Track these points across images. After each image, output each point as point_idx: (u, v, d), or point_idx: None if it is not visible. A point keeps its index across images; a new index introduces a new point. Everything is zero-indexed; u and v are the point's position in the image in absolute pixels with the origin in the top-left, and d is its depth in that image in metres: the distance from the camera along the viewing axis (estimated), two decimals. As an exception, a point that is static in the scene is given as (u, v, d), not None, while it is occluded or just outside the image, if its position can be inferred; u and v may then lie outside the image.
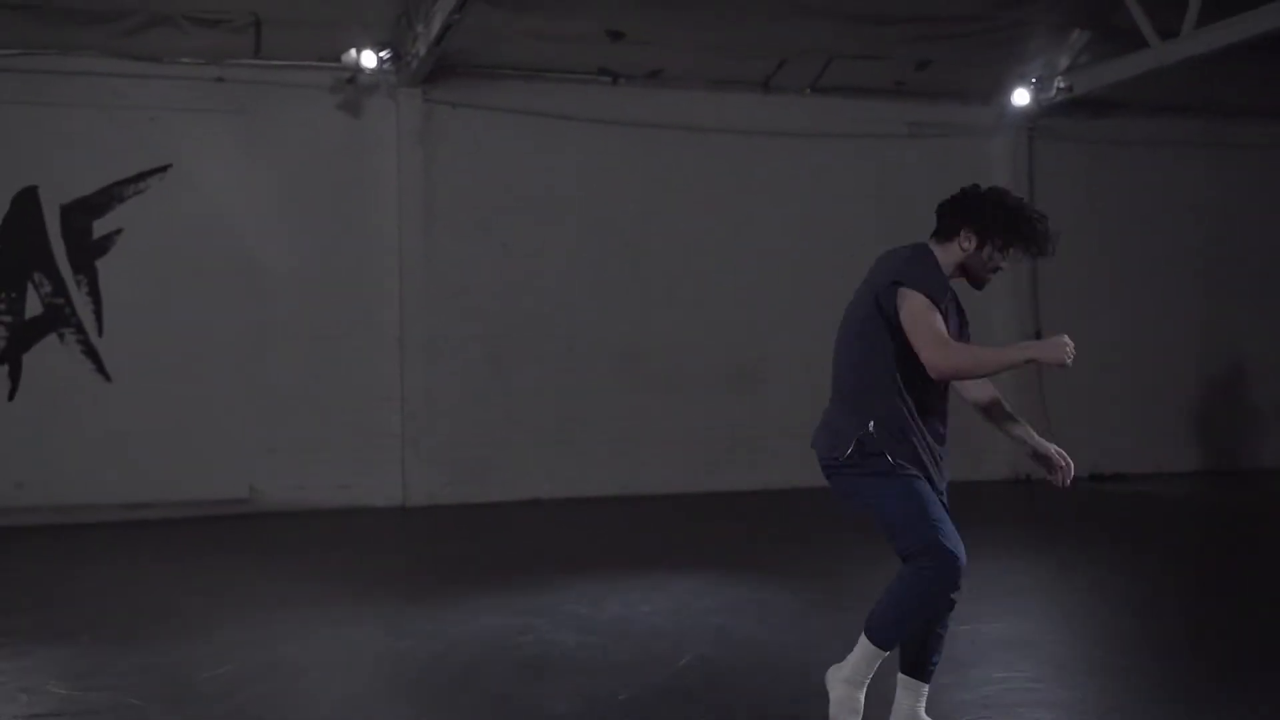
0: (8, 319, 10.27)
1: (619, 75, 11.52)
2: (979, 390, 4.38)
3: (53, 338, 10.35)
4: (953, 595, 4.03)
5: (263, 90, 10.72)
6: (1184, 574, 8.05)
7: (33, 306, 10.32)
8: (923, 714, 4.25)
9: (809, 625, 6.33)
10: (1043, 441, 4.34)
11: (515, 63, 11.15)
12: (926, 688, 4.25)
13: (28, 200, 10.29)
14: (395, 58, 10.41)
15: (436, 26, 9.58)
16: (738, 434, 11.74)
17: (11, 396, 10.26)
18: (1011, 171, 12.74)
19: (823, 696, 4.25)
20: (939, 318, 4.05)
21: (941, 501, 4.15)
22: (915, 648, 4.20)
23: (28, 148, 10.27)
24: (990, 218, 4.15)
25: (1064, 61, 11.93)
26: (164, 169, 10.56)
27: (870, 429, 4.08)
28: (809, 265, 11.92)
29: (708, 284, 11.80)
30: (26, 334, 10.31)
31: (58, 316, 10.37)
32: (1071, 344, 4.00)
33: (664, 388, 11.64)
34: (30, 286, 10.32)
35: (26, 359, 10.30)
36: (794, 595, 7.06)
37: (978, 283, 4.28)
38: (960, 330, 4.24)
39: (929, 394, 4.16)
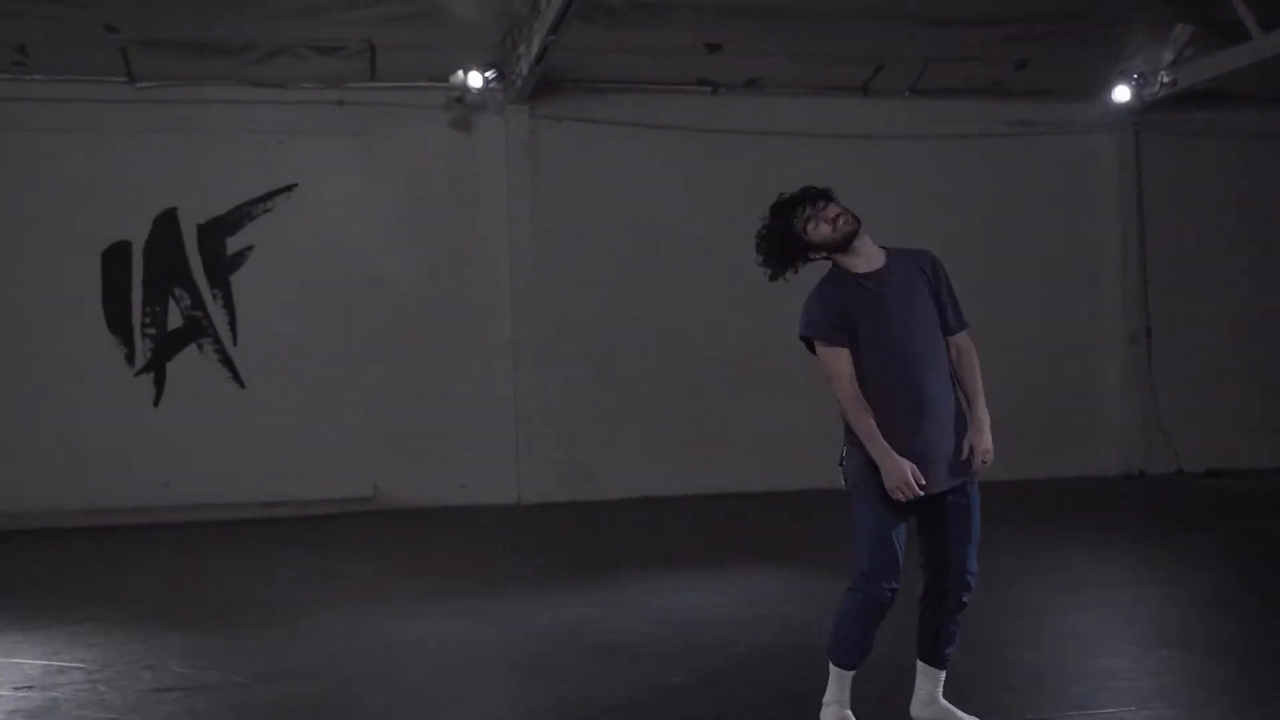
0: (152, 331, 11.11)
1: (718, 85, 11.87)
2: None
3: (192, 348, 11.17)
4: (882, 613, 4.33)
5: (380, 111, 11.36)
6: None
7: (174, 319, 11.14)
8: (940, 697, 4.54)
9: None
10: (978, 436, 4.39)
11: (617, 76, 11.59)
12: (942, 674, 4.54)
13: (168, 221, 11.12)
14: (500, 77, 10.94)
15: (536, 46, 10.07)
16: (833, 434, 11.93)
17: (156, 403, 11.10)
18: (1118, 167, 12.76)
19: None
20: (834, 354, 4.39)
21: (927, 500, 4.35)
22: (928, 640, 4.50)
23: (168, 172, 11.08)
24: None
25: (1167, 56, 11.88)
26: (290, 188, 11.29)
27: (843, 451, 4.38)
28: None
29: (805, 288, 12.01)
30: (169, 345, 11.14)
31: (196, 328, 11.18)
32: (912, 485, 4.20)
33: (763, 389, 11.92)
34: (171, 300, 11.15)
35: (170, 368, 11.13)
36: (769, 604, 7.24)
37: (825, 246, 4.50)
38: (878, 317, 4.36)
39: (900, 400, 4.32)
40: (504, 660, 5.90)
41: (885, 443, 4.28)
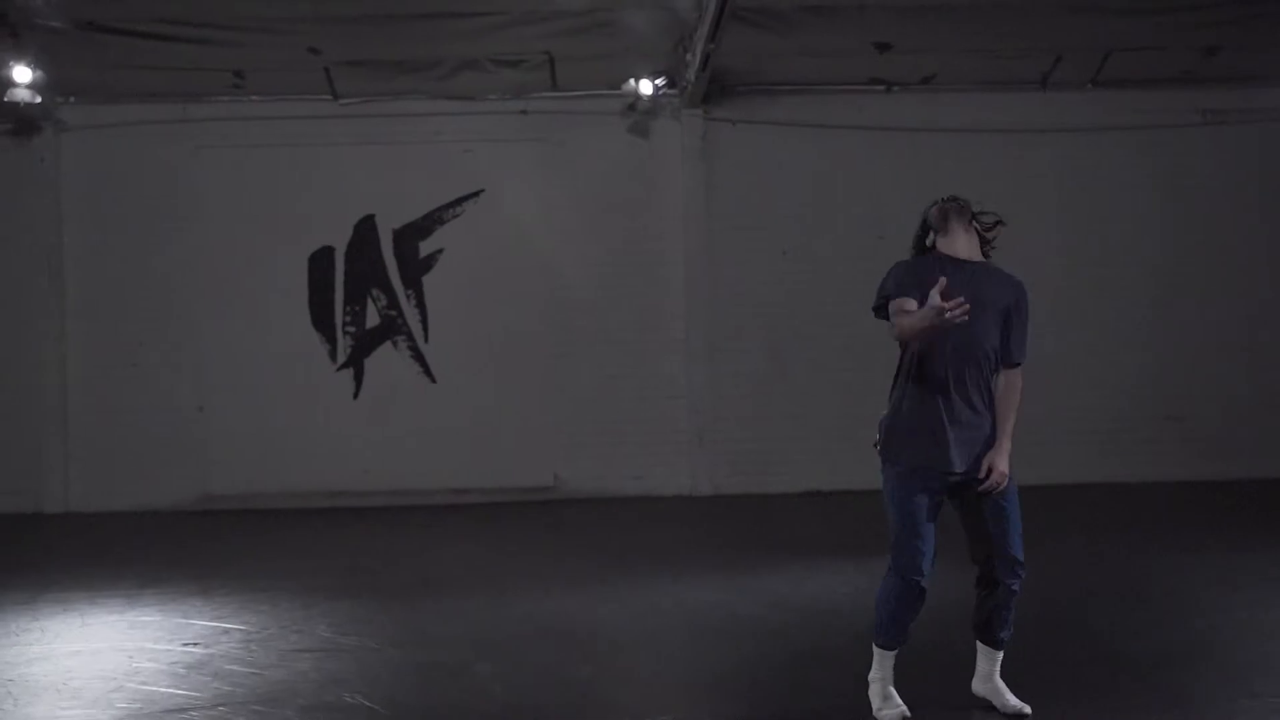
0: (352, 329, 11.98)
1: (891, 83, 11.93)
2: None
3: (388, 345, 11.98)
4: (918, 601, 4.53)
5: (561, 119, 11.91)
6: None
7: (372, 318, 11.98)
8: (995, 676, 4.67)
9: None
10: (997, 456, 4.65)
11: (789, 78, 11.79)
12: (999, 654, 4.67)
13: (367, 227, 11.96)
14: (671, 84, 11.31)
15: (699, 54, 10.40)
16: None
17: (356, 395, 11.96)
18: (1321, 155, 12.16)
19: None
20: (904, 302, 4.77)
21: (951, 483, 4.48)
22: (983, 623, 4.64)
23: (367, 181, 11.92)
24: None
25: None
26: (477, 194, 11.96)
27: (882, 420, 4.56)
28: (1091, 260, 11.90)
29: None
30: (367, 341, 11.99)
31: (392, 326, 11.99)
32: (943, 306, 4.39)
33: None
34: (370, 300, 11.99)
35: (367, 363, 11.97)
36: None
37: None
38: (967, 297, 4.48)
39: (935, 378, 4.60)
40: (621, 638, 6.25)
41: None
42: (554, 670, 5.55)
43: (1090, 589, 7.12)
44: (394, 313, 11.99)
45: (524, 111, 11.92)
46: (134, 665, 5.77)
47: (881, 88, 11.98)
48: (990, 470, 4.59)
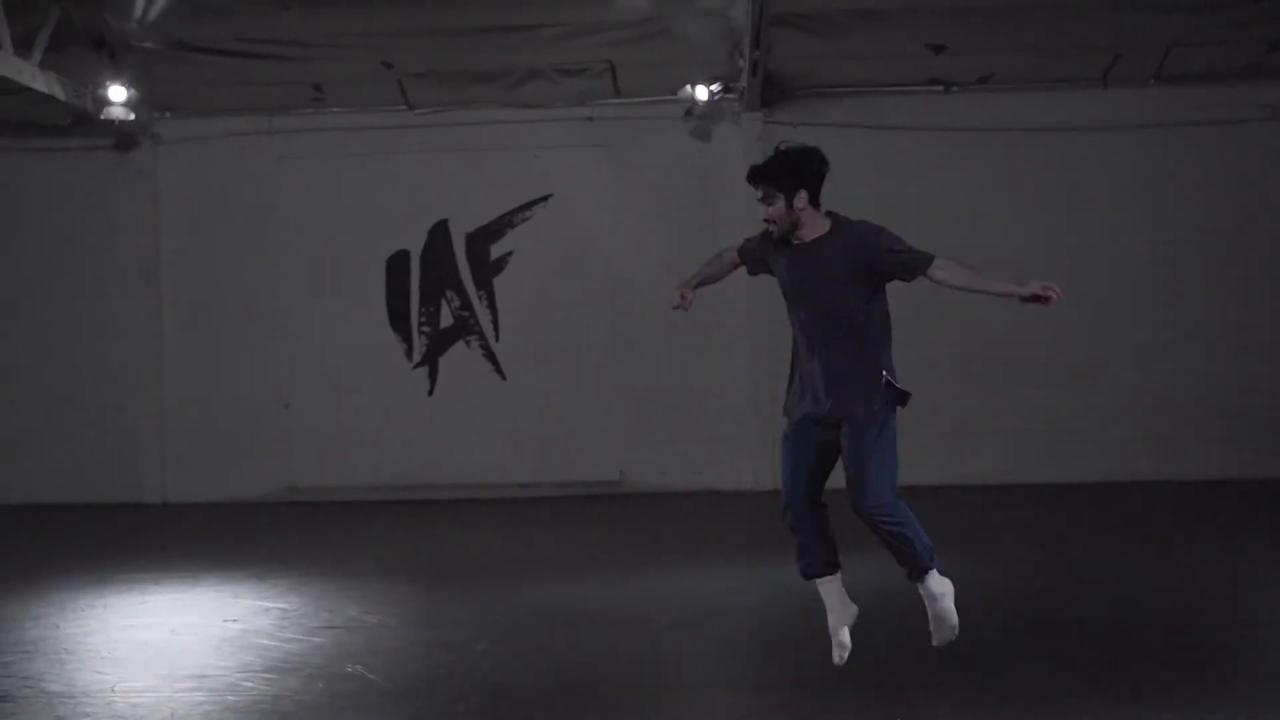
0: (427, 329, 12.55)
1: (949, 83, 12.05)
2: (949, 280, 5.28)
3: (460, 344, 12.52)
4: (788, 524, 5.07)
5: (625, 125, 12.30)
6: None
7: (445, 318, 12.53)
8: (938, 604, 5.17)
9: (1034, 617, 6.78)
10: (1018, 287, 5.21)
11: (846, 81, 12.00)
12: (925, 579, 5.18)
13: (440, 231, 12.51)
14: (726, 89, 11.62)
15: (750, 59, 10.69)
16: (1072, 426, 11.89)
17: (430, 392, 12.53)
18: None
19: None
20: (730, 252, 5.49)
21: (816, 421, 5.04)
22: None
23: (441, 187, 12.47)
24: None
25: None
26: (546, 199, 12.42)
27: None
28: (1154, 258, 11.86)
29: (1043, 279, 11.96)
30: (441, 341, 12.54)
31: (464, 326, 12.53)
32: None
33: (1001, 381, 12.02)
34: (443, 301, 12.54)
35: (441, 361, 12.53)
36: (1025, 588, 7.46)
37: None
38: (786, 278, 5.16)
39: (801, 350, 5.19)
40: (671, 626, 6.56)
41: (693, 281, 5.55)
42: (545, 652, 5.93)
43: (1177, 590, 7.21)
44: (466, 313, 12.52)
45: (589, 118, 12.34)
46: (174, 638, 6.33)
47: (939, 88, 12.11)
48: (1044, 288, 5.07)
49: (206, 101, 12.30)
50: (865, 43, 11.32)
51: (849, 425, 5.00)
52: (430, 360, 12.54)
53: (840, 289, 5.05)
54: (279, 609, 6.98)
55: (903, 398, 5.12)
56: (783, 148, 5.27)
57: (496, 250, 12.50)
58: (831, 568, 5.19)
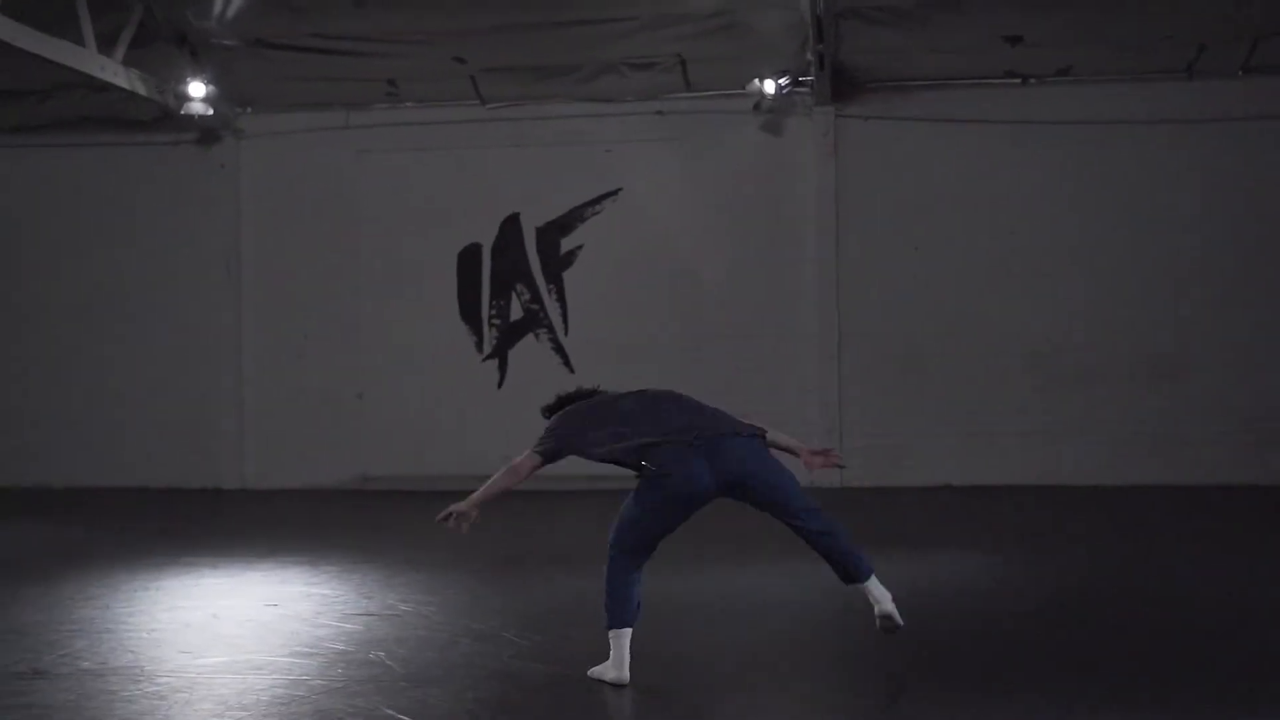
0: (498, 322, 12.66)
1: (1027, 76, 11.79)
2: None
3: (530, 337, 12.60)
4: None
5: (695, 119, 12.27)
6: None
7: (515, 312, 12.63)
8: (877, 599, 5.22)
9: (1073, 620, 6.60)
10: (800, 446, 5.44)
11: (920, 73, 11.82)
12: (864, 582, 5.26)
13: (511, 224, 12.61)
14: (795, 82, 11.51)
15: (817, 53, 10.58)
16: (1152, 428, 11.57)
17: (500, 385, 12.63)
18: None
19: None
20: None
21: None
22: (839, 569, 5.28)
23: (513, 181, 12.56)
24: None
25: None
26: (615, 193, 12.44)
27: None
28: (1239, 253, 11.51)
29: (1125, 277, 11.74)
30: (511, 334, 12.64)
31: (534, 319, 12.61)
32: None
33: (1074, 380, 11.76)
34: (514, 295, 12.63)
35: (511, 354, 12.63)
36: (1100, 591, 7.26)
37: None
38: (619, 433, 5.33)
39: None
40: (723, 619, 6.55)
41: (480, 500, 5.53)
42: (570, 642, 5.92)
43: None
44: (536, 306, 12.59)
45: (659, 112, 12.33)
46: (213, 620, 6.46)
47: (1017, 80, 11.85)
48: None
49: (285, 97, 12.55)
50: (939, 34, 11.14)
51: (750, 452, 5.25)
52: (500, 353, 12.65)
53: None
54: (320, 595, 7.09)
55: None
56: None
57: (566, 244, 12.56)
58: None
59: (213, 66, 11.83)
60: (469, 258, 12.67)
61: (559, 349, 12.57)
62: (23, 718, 4.80)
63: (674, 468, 5.03)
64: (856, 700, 5.11)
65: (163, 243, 12.92)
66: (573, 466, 5.74)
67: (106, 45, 10.88)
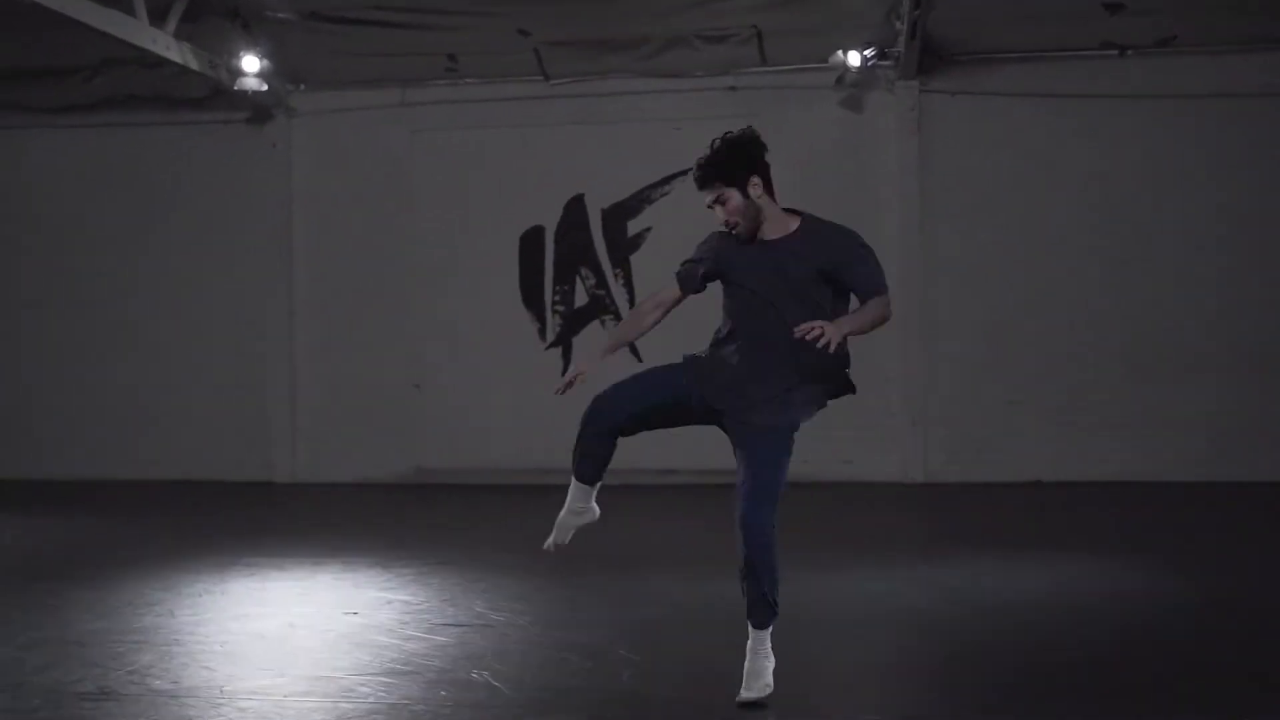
0: (561, 309, 12.08)
1: (1125, 47, 11.10)
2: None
3: (595, 324, 12.01)
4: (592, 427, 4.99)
5: (770, 95, 11.62)
6: None
7: (580, 297, 12.04)
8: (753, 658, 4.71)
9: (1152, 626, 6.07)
10: (833, 325, 4.64)
11: (1010, 45, 11.15)
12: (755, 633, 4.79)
13: (576, 206, 12.02)
14: (880, 55, 10.87)
15: (908, 22, 9.94)
16: (1261, 421, 10.89)
17: (564, 374, 12.01)
18: None
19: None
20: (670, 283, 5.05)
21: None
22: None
23: (578, 161, 11.97)
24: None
25: None
26: (685, 173, 11.63)
27: None
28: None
29: (1227, 262, 11.06)
30: (575, 320, 12.06)
31: (599, 305, 12.02)
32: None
33: (1175, 371, 11.09)
34: (578, 279, 12.05)
35: (575, 342, 12.05)
36: (1182, 592, 6.71)
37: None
38: (745, 276, 4.78)
39: (737, 337, 4.95)
40: (788, 627, 6.00)
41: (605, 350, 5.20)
42: (691, 661, 5.37)
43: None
44: (602, 292, 12.01)
45: (732, 88, 11.71)
46: (290, 631, 5.91)
47: (1114, 52, 11.17)
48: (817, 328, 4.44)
49: (339, 73, 12.00)
50: (1033, 2, 10.46)
51: (760, 431, 4.75)
52: (564, 340, 12.08)
53: (809, 293, 4.68)
54: (401, 602, 6.54)
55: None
56: (717, 142, 4.91)
57: (634, 226, 11.97)
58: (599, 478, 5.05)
59: (265, 40, 11.27)
60: (531, 241, 12.09)
61: (626, 337, 11.96)
62: (96, 748, 4.27)
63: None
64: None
65: (211, 226, 12.41)
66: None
67: (157, 19, 10.35)
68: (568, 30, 11.26)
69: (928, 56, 11.11)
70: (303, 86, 12.22)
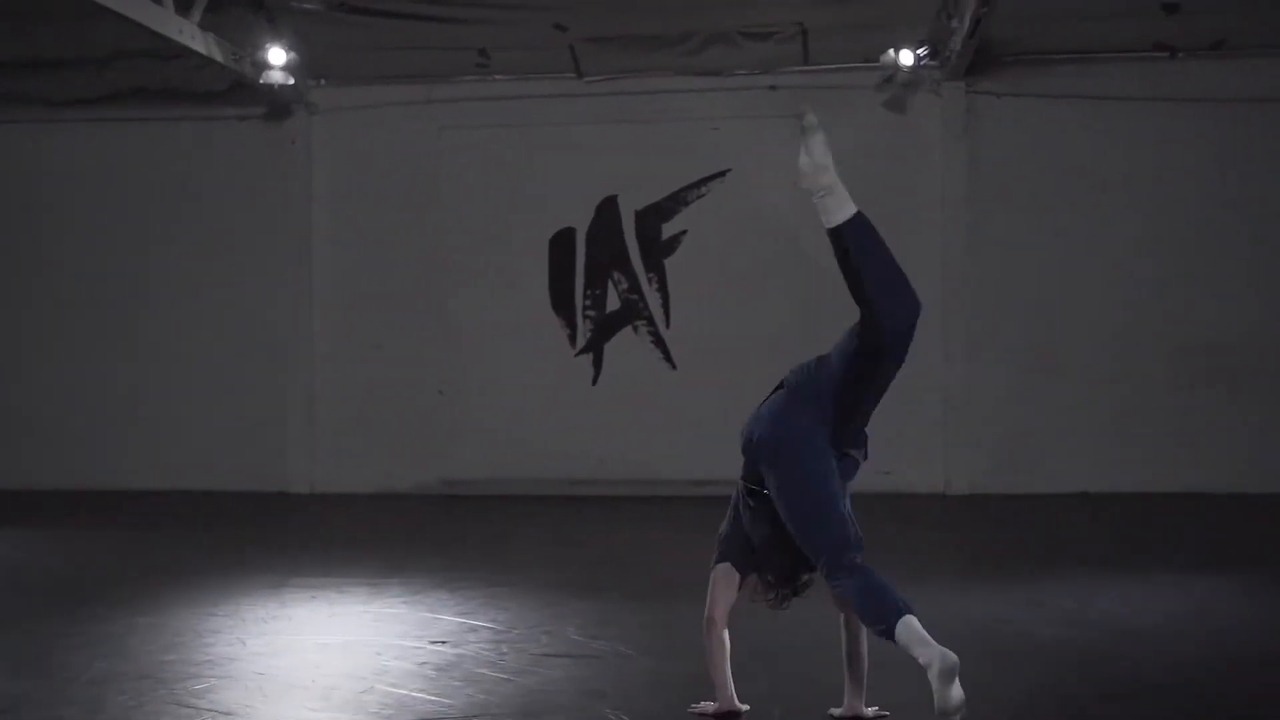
0: (592, 313, 11.69)
1: (1177, 49, 10.86)
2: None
3: (628, 329, 11.65)
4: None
5: (812, 95, 11.19)
6: None
7: (612, 302, 11.66)
8: None
9: None
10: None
11: (1062, 46, 10.90)
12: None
13: (609, 207, 11.64)
14: (933, 54, 10.57)
15: (969, 19, 9.64)
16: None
17: (595, 381, 11.68)
18: None
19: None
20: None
21: None
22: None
23: (611, 160, 11.58)
24: None
25: None
26: (723, 174, 11.49)
27: None
28: None
29: (1277, 271, 10.83)
30: (607, 326, 11.68)
31: (632, 310, 11.65)
32: None
33: (1229, 379, 10.86)
34: (610, 284, 11.67)
35: (607, 348, 11.67)
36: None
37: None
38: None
39: None
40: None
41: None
42: (821, 686, 4.99)
43: None
44: (635, 296, 11.65)
45: (773, 87, 11.39)
46: (382, 663, 5.49)
47: (1165, 54, 10.92)
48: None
49: (364, 68, 11.58)
50: (1093, 1, 10.19)
51: None
52: (595, 346, 11.70)
53: None
54: (487, 628, 6.13)
55: None
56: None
57: (668, 229, 11.62)
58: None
59: (290, 33, 10.81)
60: (562, 243, 11.70)
61: (659, 342, 11.61)
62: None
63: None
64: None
65: (226, 225, 11.94)
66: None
67: (182, 8, 9.88)
68: (606, 25, 10.89)
69: (975, 56, 10.80)
70: (323, 82, 11.76)
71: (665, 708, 4.79)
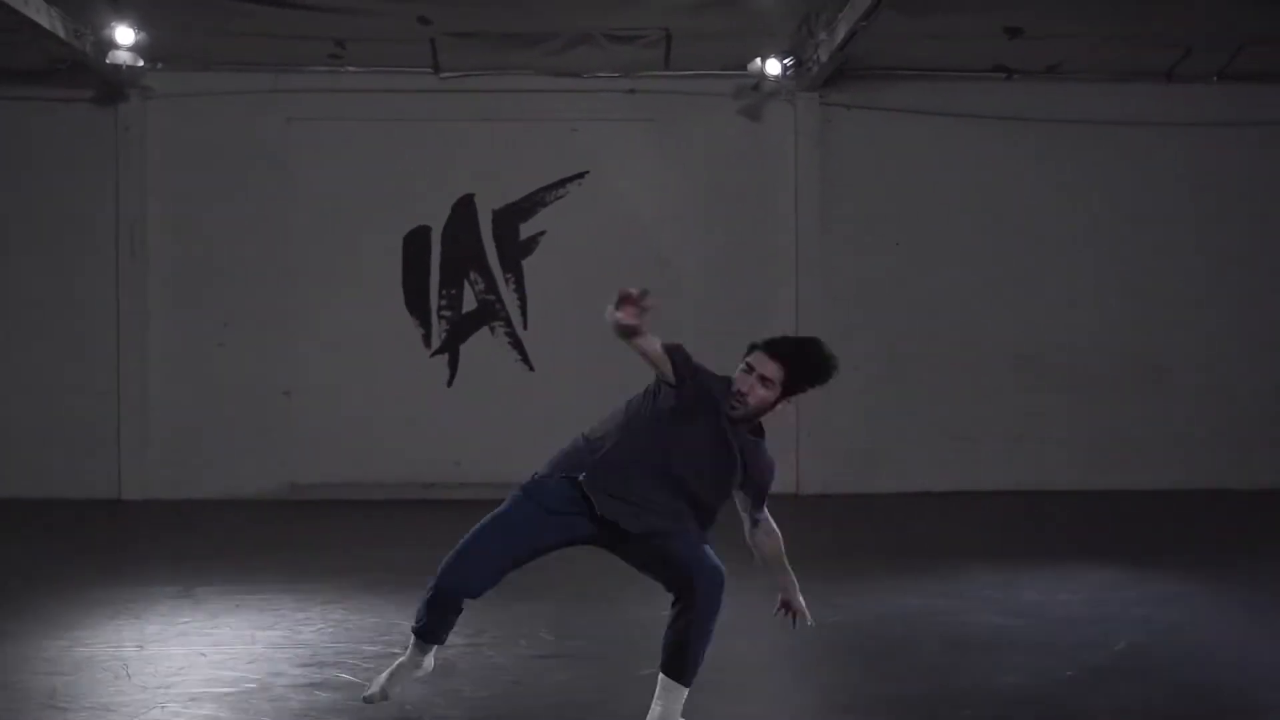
0: (448, 314, 11.46)
1: (1014, 71, 11.52)
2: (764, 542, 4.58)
3: (485, 331, 11.47)
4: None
5: (670, 100, 11.41)
6: None
7: (468, 302, 11.46)
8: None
9: (1241, 621, 6.27)
10: (794, 596, 4.58)
11: (911, 63, 11.36)
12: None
13: (465, 206, 11.44)
14: (797, 64, 10.85)
15: (841, 34, 9.94)
16: (1136, 433, 11.49)
17: (450, 383, 11.45)
18: None
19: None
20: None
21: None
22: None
23: (468, 159, 11.38)
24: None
25: None
26: (582, 175, 11.46)
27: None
28: (1216, 259, 11.58)
29: (1106, 281, 11.63)
30: (463, 327, 11.47)
31: (489, 311, 11.48)
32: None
33: (1059, 385, 11.56)
34: (466, 284, 11.47)
35: (463, 349, 11.46)
36: (1218, 593, 6.97)
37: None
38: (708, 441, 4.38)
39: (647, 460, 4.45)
40: (862, 644, 5.80)
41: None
42: (833, 687, 5.09)
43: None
44: (491, 297, 11.49)
45: (631, 90, 11.44)
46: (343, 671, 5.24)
47: (1003, 75, 11.56)
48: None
49: (207, 53, 10.99)
50: (945, 21, 10.66)
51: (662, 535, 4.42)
52: (450, 347, 11.47)
53: (728, 483, 4.47)
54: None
55: None
56: (827, 350, 4.58)
57: (526, 230, 11.51)
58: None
59: (133, 12, 10.15)
60: (416, 242, 11.42)
61: (517, 344, 11.49)
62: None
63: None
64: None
65: (52, 217, 11.10)
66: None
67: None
68: (473, 21, 10.68)
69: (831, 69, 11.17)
70: (160, 65, 11.10)
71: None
